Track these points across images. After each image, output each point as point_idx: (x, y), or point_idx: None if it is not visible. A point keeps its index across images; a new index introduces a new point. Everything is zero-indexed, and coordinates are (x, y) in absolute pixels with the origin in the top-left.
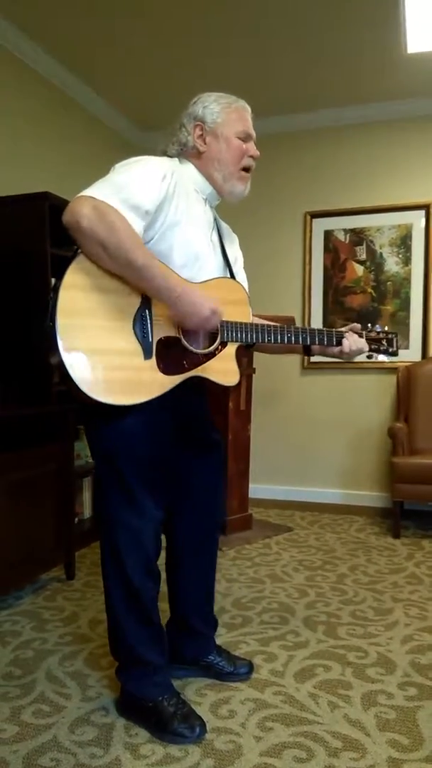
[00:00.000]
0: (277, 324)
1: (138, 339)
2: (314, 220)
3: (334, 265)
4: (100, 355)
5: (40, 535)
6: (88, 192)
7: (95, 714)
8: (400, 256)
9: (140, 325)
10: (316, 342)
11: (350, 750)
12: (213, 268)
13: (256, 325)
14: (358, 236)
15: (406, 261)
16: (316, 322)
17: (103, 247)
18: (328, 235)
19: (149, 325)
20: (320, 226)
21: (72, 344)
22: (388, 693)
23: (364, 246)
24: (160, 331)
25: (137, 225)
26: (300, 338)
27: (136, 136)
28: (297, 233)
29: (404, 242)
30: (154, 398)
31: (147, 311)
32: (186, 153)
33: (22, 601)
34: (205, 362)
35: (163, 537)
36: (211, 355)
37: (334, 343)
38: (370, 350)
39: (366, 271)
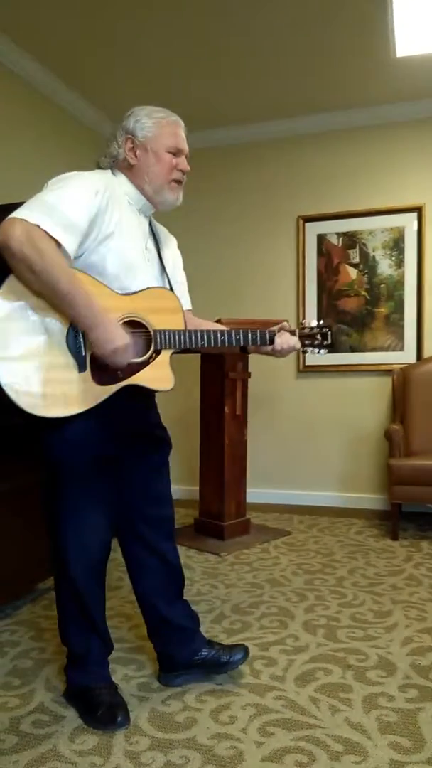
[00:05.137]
0: (210, 329)
1: (72, 353)
2: (307, 224)
3: (328, 268)
4: (36, 372)
5: (36, 545)
6: (22, 214)
7: None
8: (393, 258)
9: (73, 340)
10: (249, 343)
11: (352, 753)
12: (147, 277)
13: (187, 331)
14: (351, 240)
15: (399, 263)
16: None
17: (32, 271)
18: (321, 239)
19: (82, 340)
20: (313, 230)
21: (7, 365)
22: (389, 695)
23: (357, 249)
24: None
25: (70, 243)
26: (233, 341)
27: (108, 130)
28: (290, 238)
29: (397, 245)
30: (90, 408)
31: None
32: (117, 165)
33: (20, 611)
34: (139, 370)
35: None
36: (145, 364)
37: (267, 342)
38: (304, 346)
39: (359, 274)
